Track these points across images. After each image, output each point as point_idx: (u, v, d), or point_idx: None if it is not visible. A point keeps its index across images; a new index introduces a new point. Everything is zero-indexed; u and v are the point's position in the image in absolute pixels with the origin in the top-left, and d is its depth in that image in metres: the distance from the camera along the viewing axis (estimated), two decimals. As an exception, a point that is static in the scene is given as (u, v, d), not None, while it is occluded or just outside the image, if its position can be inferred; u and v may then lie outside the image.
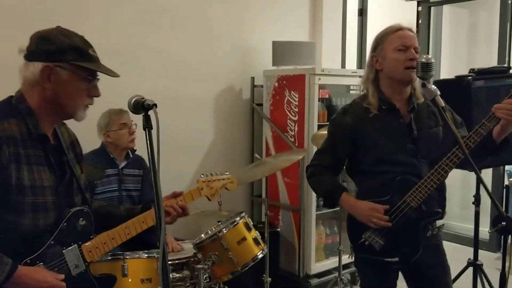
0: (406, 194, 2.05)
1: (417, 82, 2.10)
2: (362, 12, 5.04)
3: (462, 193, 5.13)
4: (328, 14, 4.56)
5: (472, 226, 3.23)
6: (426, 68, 1.93)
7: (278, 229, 3.94)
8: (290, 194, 3.95)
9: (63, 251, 1.68)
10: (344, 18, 4.76)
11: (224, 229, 2.48)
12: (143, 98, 1.48)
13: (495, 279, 3.06)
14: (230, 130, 4.11)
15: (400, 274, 2.26)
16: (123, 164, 3.04)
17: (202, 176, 2.05)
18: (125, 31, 3.42)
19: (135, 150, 3.09)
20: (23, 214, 1.58)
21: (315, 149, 3.15)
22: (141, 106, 1.46)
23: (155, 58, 3.58)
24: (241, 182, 3.63)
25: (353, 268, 3.93)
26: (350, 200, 2.18)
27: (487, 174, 4.67)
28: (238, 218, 2.55)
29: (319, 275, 3.91)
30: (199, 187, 2.01)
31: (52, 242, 1.65)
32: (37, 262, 1.62)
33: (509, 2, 4.71)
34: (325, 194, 2.30)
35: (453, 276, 2.43)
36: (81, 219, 1.73)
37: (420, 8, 5.41)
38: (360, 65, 4.96)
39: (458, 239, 4.94)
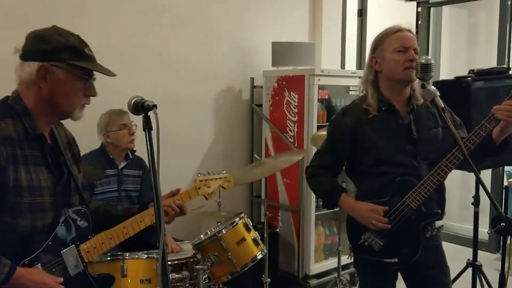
0: (405, 195, 2.05)
1: (417, 83, 2.10)
2: (362, 13, 5.04)
3: (462, 194, 5.13)
4: (327, 15, 4.56)
5: (472, 227, 3.23)
6: (426, 69, 1.93)
7: (278, 230, 3.94)
8: (289, 194, 3.95)
9: (61, 251, 1.68)
10: (344, 19, 4.76)
11: (223, 230, 2.48)
12: (143, 99, 1.48)
13: (494, 280, 3.06)
14: (229, 130, 4.11)
15: (399, 275, 2.26)
16: (122, 164, 3.04)
17: (199, 175, 2.05)
18: (125, 31, 3.43)
19: (135, 150, 3.10)
20: (21, 215, 1.58)
21: (314, 149, 3.15)
22: (141, 107, 1.46)
23: (155, 58, 3.58)
24: (240, 183, 3.64)
25: (352, 269, 3.93)
26: (349, 201, 2.18)
27: (486, 175, 4.67)
28: (237, 219, 2.55)
29: (319, 275, 3.91)
30: (197, 186, 2.01)
31: (50, 242, 1.65)
32: (35, 263, 1.62)
33: (509, 3, 4.71)
34: (325, 195, 2.30)
35: (452, 276, 2.43)
36: (79, 219, 1.73)
37: (419, 9, 5.41)
38: (359, 65, 4.96)
39: (457, 240, 4.94)
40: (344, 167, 2.32)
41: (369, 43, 2.25)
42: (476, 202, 3.15)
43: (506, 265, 3.07)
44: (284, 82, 3.91)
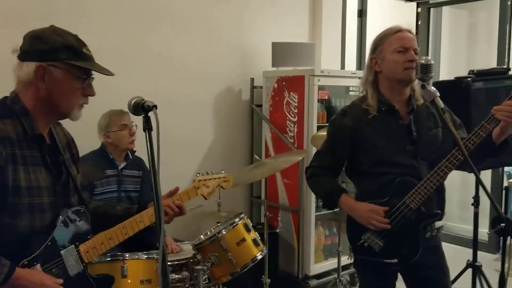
0: (405, 195, 2.05)
1: (417, 84, 2.10)
2: (362, 13, 5.04)
3: (461, 195, 5.13)
4: (327, 15, 4.56)
5: (471, 228, 3.23)
6: (426, 70, 1.93)
7: (277, 230, 3.94)
8: (289, 195, 3.95)
9: (61, 251, 1.68)
10: (344, 19, 4.76)
11: (223, 230, 2.48)
12: (143, 100, 1.48)
13: (494, 280, 3.06)
14: (229, 131, 4.11)
15: (399, 275, 2.26)
16: (122, 165, 3.04)
17: (198, 175, 2.05)
18: (125, 31, 3.43)
19: (135, 151, 3.10)
20: (20, 216, 1.58)
21: (314, 150, 3.15)
22: (141, 108, 1.46)
23: (155, 58, 3.59)
24: (240, 183, 3.64)
25: (352, 269, 3.93)
26: (349, 202, 2.18)
27: (486, 176, 4.67)
28: (237, 219, 2.55)
29: (318, 276, 3.91)
30: (195, 186, 2.01)
31: (49, 243, 1.65)
32: (34, 263, 1.62)
33: (509, 3, 4.71)
34: (325, 195, 2.30)
35: (452, 277, 2.44)
36: (78, 219, 1.73)
37: (419, 9, 5.42)
38: (359, 66, 4.96)
39: (457, 240, 4.94)
40: (344, 168, 2.32)
41: (369, 44, 2.25)
42: (476, 202, 3.15)
43: (506, 265, 3.08)
44: (284, 83, 3.92)
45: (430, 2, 5.38)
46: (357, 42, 5.05)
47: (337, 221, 3.72)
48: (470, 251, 3.22)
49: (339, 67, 4.73)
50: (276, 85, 3.97)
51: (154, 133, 1.41)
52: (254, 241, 2.54)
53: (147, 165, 2.97)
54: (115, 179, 3.00)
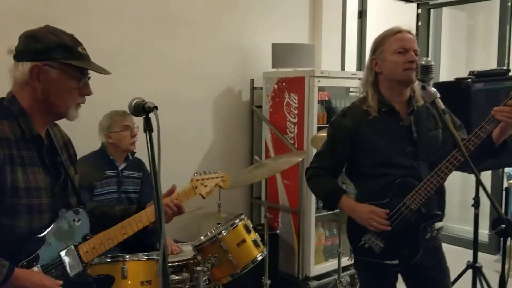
0: (405, 196, 2.05)
1: (417, 85, 2.10)
2: (362, 15, 5.04)
3: (462, 196, 5.13)
4: (327, 16, 4.56)
5: (472, 229, 3.23)
6: (426, 71, 1.93)
7: (278, 231, 3.94)
8: (289, 196, 3.95)
9: (60, 252, 1.67)
10: (344, 20, 4.76)
11: (223, 231, 2.48)
12: (143, 101, 1.48)
13: (494, 281, 3.06)
14: (229, 131, 4.11)
15: (399, 276, 2.26)
16: (122, 166, 3.04)
17: (195, 174, 2.04)
18: (125, 31, 3.43)
19: (135, 152, 3.10)
20: (19, 217, 1.57)
21: (314, 151, 3.15)
22: (142, 109, 1.46)
23: (156, 59, 3.59)
24: (240, 184, 3.64)
25: (352, 271, 3.93)
26: (349, 203, 2.18)
27: (486, 177, 4.67)
28: (237, 220, 2.55)
29: (319, 277, 3.91)
30: (193, 186, 2.01)
31: (48, 243, 1.64)
32: (34, 264, 1.61)
33: (509, 4, 4.72)
34: (325, 196, 2.30)
35: (452, 278, 2.43)
36: (77, 219, 1.72)
37: (419, 11, 5.42)
38: (359, 67, 4.97)
39: (457, 241, 4.94)
40: (344, 169, 2.32)
41: (369, 45, 2.25)
42: (476, 203, 3.15)
43: (506, 266, 3.08)
44: (284, 84, 3.92)
45: (430, 3, 5.38)
46: (357, 43, 5.05)
47: (337, 222, 3.72)
48: (470, 252, 3.21)
49: (339, 68, 4.74)
50: (276, 86, 3.98)
51: (154, 134, 1.41)
52: (255, 242, 2.54)
53: (147, 166, 2.99)
54: (115, 180, 3.00)
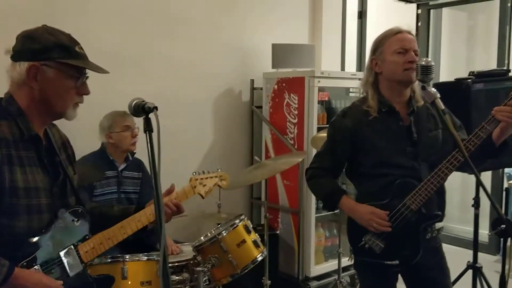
0: (405, 197, 2.05)
1: (417, 85, 2.10)
2: (362, 15, 5.04)
3: (462, 196, 5.13)
4: (327, 17, 4.56)
5: (472, 229, 3.23)
6: (426, 71, 1.93)
7: (278, 232, 3.94)
8: (289, 196, 3.95)
9: (60, 252, 1.67)
10: (344, 21, 4.76)
11: (223, 232, 2.48)
12: (143, 101, 1.48)
13: (494, 282, 3.06)
14: (229, 132, 4.11)
15: (399, 276, 2.26)
16: (122, 166, 3.04)
17: (194, 174, 2.04)
18: (125, 31, 3.43)
19: (134, 153, 3.10)
20: (18, 217, 1.57)
21: (314, 151, 3.15)
22: (142, 109, 1.46)
23: (156, 59, 3.59)
24: (240, 185, 3.64)
25: (352, 271, 3.93)
26: (350, 203, 2.18)
27: (486, 177, 4.67)
28: (237, 221, 2.55)
29: (319, 277, 3.91)
30: (192, 185, 2.01)
31: (48, 243, 1.64)
32: (33, 264, 1.61)
33: (509, 5, 4.72)
34: (325, 196, 2.30)
35: (452, 278, 2.43)
36: (76, 219, 1.72)
37: (419, 11, 5.42)
38: (359, 67, 4.97)
39: (457, 241, 4.94)
40: (344, 169, 2.32)
41: (369, 45, 2.25)
42: (476, 204, 3.15)
43: (507, 267, 3.07)
44: (284, 84, 3.92)
45: (430, 3, 5.39)
46: (357, 43, 5.05)
47: (337, 223, 3.72)
48: (471, 252, 3.21)
49: (339, 68, 4.74)
50: (276, 86, 3.98)
51: (154, 134, 1.41)
52: (255, 242, 2.54)
53: (147, 166, 2.99)
54: (115, 180, 3.00)
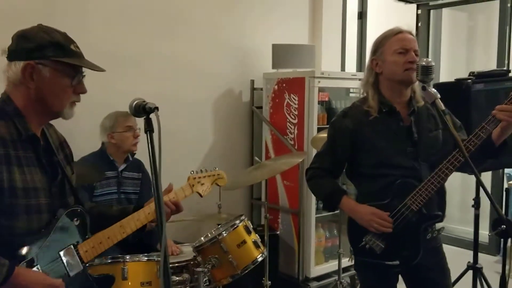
0: (406, 197, 2.05)
1: (417, 85, 2.10)
2: (362, 15, 5.05)
3: (462, 196, 5.13)
4: (327, 17, 4.56)
5: (472, 229, 3.22)
6: (426, 71, 1.93)
7: (278, 232, 3.93)
8: (289, 197, 3.95)
9: (59, 252, 1.67)
10: (344, 21, 4.76)
11: (223, 232, 2.48)
12: (144, 101, 1.47)
13: (495, 282, 3.06)
14: (229, 132, 4.11)
15: (400, 277, 2.26)
16: (122, 167, 3.04)
17: (192, 173, 2.04)
18: (125, 32, 3.42)
19: (134, 153, 3.10)
20: (17, 217, 1.57)
21: (314, 152, 3.15)
22: (142, 109, 1.46)
23: (156, 60, 3.58)
24: (240, 185, 3.64)
25: (352, 272, 3.92)
26: (350, 204, 2.17)
27: (486, 178, 4.67)
28: (237, 221, 2.55)
29: (319, 278, 3.90)
30: (191, 184, 2.00)
31: (47, 243, 1.64)
32: (33, 264, 1.61)
33: (508, 5, 4.72)
34: (325, 197, 2.29)
35: (452, 279, 2.43)
36: (75, 219, 1.72)
37: (419, 11, 5.42)
38: (359, 68, 4.97)
39: (457, 242, 4.94)
40: (344, 169, 2.32)
41: (369, 45, 2.25)
42: (477, 204, 3.15)
43: (507, 267, 3.07)
44: (284, 84, 3.92)
45: (430, 4, 5.39)
46: (357, 43, 5.05)
47: (338, 223, 3.72)
48: (471, 253, 3.21)
49: (339, 68, 4.73)
50: (276, 87, 3.97)
51: (154, 135, 1.40)
52: (255, 243, 2.54)
53: (147, 167, 2.98)
54: (115, 180, 3.00)
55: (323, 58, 4.51)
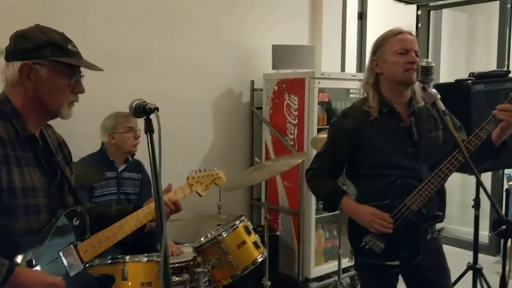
0: (406, 197, 2.05)
1: (417, 86, 2.10)
2: (362, 16, 5.05)
3: (462, 197, 5.13)
4: (327, 18, 4.56)
5: (472, 230, 3.23)
6: (427, 72, 1.93)
7: (278, 233, 3.93)
8: (289, 197, 3.95)
9: (59, 252, 1.67)
10: (344, 22, 4.76)
11: (223, 233, 2.47)
12: (144, 102, 1.47)
13: (495, 283, 3.05)
14: (229, 133, 4.11)
15: (400, 277, 2.26)
16: (122, 167, 3.04)
17: (190, 172, 2.04)
18: (125, 32, 3.42)
19: (134, 154, 3.10)
20: (16, 217, 1.57)
21: (314, 152, 3.15)
22: (143, 110, 1.46)
23: (156, 60, 3.58)
24: (240, 186, 3.63)
25: (352, 272, 3.92)
26: (350, 204, 2.17)
27: (486, 178, 4.67)
28: (237, 222, 2.55)
29: (319, 278, 3.90)
30: (190, 183, 2.00)
31: (47, 243, 1.64)
32: (33, 264, 1.61)
33: (508, 6, 4.73)
34: (325, 197, 2.29)
35: (452, 279, 2.43)
36: (75, 219, 1.72)
37: (419, 12, 5.42)
38: (359, 68, 4.97)
39: (457, 242, 4.94)
40: (344, 170, 2.32)
41: (369, 46, 2.25)
42: (477, 204, 3.15)
43: (507, 268, 3.07)
44: (284, 85, 3.91)
45: (430, 4, 5.39)
46: (357, 44, 5.05)
47: (338, 224, 3.71)
48: (471, 253, 3.21)
49: (339, 69, 4.73)
50: (276, 87, 3.97)
51: (154, 135, 1.40)
52: (255, 243, 2.54)
53: (147, 167, 2.98)
54: (115, 181, 3.00)
55: (323, 58, 4.50)
